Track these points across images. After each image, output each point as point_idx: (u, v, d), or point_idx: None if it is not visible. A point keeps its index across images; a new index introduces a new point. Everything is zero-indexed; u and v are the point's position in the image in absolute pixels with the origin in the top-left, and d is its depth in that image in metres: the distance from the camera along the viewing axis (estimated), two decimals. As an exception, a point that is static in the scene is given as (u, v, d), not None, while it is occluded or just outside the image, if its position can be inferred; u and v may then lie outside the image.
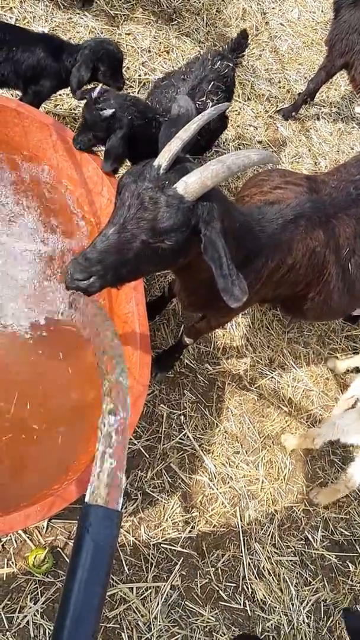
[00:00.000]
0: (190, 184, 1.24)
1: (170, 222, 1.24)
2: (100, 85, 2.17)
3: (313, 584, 2.47)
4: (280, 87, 4.07)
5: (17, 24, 2.95)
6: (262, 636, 2.26)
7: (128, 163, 2.47)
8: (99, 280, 1.30)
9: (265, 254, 1.72)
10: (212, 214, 1.31)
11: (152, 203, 1.25)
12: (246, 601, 2.30)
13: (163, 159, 1.28)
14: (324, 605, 2.45)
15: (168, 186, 1.26)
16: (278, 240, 1.75)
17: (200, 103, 2.32)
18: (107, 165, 2.14)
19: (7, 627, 1.90)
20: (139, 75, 3.35)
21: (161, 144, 1.36)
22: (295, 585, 2.42)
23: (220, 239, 1.30)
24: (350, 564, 2.59)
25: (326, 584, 2.50)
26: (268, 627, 2.29)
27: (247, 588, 2.33)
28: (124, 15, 3.50)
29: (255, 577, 2.36)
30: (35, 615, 1.94)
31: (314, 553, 2.55)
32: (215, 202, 1.32)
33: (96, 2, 3.40)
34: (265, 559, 2.41)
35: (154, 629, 2.07)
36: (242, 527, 2.44)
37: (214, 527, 2.39)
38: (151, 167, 1.28)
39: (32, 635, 1.91)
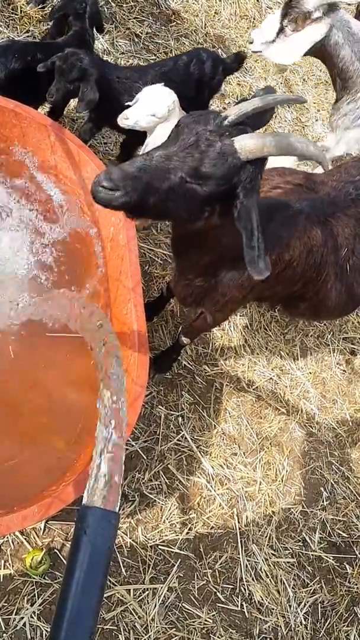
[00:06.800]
0: (248, 143, 1.25)
1: (214, 169, 1.25)
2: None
3: (310, 586, 2.47)
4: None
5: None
6: (260, 638, 2.25)
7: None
8: (124, 197, 1.25)
9: None
10: (255, 183, 1.31)
11: (206, 145, 1.25)
12: (243, 603, 2.30)
13: (232, 112, 1.29)
14: (321, 607, 2.45)
15: (227, 137, 1.27)
16: (277, 236, 1.75)
17: None
18: (82, 106, 2.33)
19: (3, 629, 1.89)
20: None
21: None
22: (292, 587, 2.42)
23: (256, 210, 1.31)
24: (347, 566, 2.59)
25: (324, 585, 2.50)
26: (265, 629, 2.28)
27: (245, 590, 2.33)
28: (122, 16, 3.50)
29: (253, 579, 2.36)
30: (32, 617, 1.93)
31: (312, 555, 2.55)
32: (260, 175, 1.32)
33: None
34: (262, 560, 2.41)
35: (151, 630, 2.07)
36: (239, 528, 2.44)
37: (211, 528, 2.39)
38: (218, 115, 1.30)
39: (28, 637, 1.90)
